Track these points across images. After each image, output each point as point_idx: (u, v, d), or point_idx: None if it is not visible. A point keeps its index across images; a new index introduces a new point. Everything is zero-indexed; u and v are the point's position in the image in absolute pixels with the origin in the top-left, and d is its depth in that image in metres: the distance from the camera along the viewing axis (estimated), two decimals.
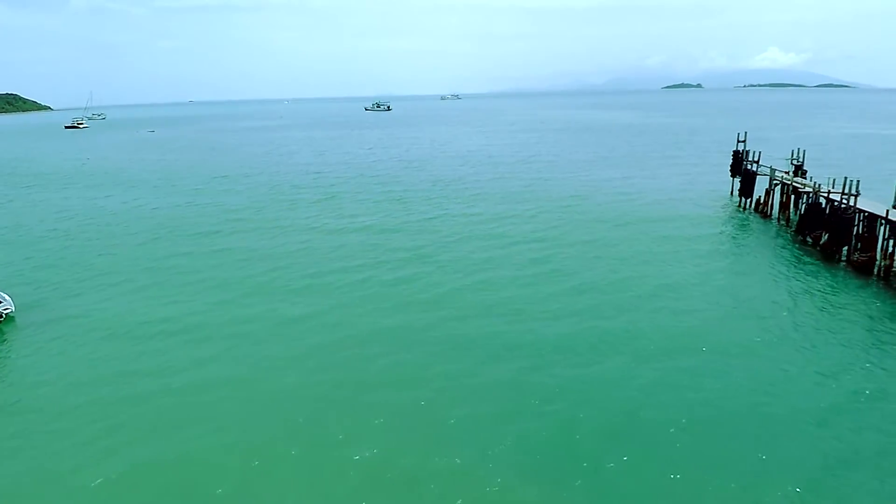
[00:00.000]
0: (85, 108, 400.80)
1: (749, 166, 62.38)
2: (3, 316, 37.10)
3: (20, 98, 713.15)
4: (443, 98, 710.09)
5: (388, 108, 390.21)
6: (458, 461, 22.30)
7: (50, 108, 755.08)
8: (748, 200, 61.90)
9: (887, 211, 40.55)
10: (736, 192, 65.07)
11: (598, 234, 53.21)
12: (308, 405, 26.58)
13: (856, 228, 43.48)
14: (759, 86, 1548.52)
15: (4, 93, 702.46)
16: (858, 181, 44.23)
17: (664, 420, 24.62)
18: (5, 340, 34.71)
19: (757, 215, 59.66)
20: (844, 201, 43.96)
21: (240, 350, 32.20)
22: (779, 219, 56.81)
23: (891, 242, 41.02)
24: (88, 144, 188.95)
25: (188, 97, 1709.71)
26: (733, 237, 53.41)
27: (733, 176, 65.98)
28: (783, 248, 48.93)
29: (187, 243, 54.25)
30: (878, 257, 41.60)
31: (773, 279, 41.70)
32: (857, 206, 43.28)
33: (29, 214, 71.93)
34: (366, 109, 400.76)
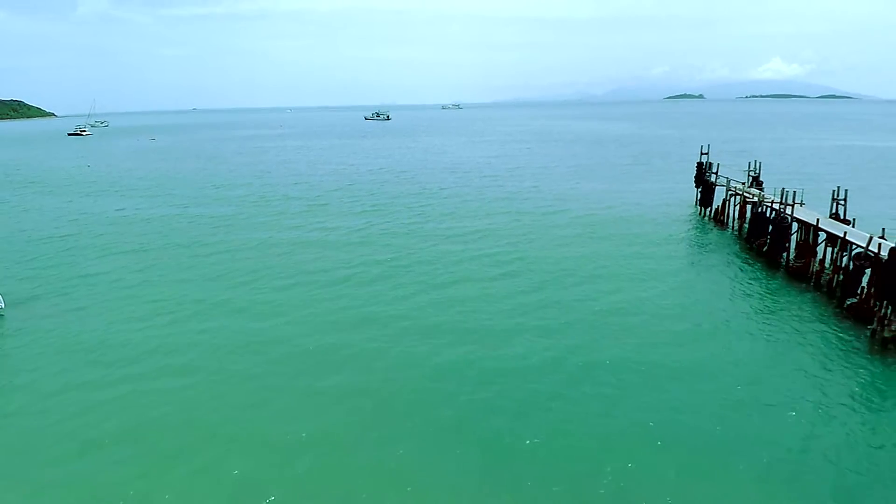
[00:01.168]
0: (88, 116, 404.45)
1: (709, 178, 65.41)
2: None
3: (25, 104, 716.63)
4: (444, 107, 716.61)
5: (388, 118, 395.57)
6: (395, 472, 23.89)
7: (54, 114, 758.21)
8: (708, 210, 64.95)
9: (818, 220, 43.50)
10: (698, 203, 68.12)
11: (566, 244, 56.00)
12: (259, 410, 28.54)
13: (794, 236, 46.41)
14: (762, 97, 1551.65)
15: (9, 99, 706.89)
16: (795, 192, 47.31)
17: (594, 436, 25.82)
18: None
19: (714, 224, 62.78)
20: (783, 211, 46.89)
21: (208, 356, 34.27)
22: (732, 227, 59.77)
23: (823, 249, 43.97)
24: (90, 151, 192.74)
25: (191, 105, 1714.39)
26: (689, 246, 56.14)
27: (697, 187, 68.86)
28: (732, 255, 51.85)
29: (173, 252, 56.91)
30: (812, 263, 44.44)
31: (717, 286, 44.45)
32: (795, 215, 46.21)
33: (27, 219, 75.20)
34: (365, 119, 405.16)
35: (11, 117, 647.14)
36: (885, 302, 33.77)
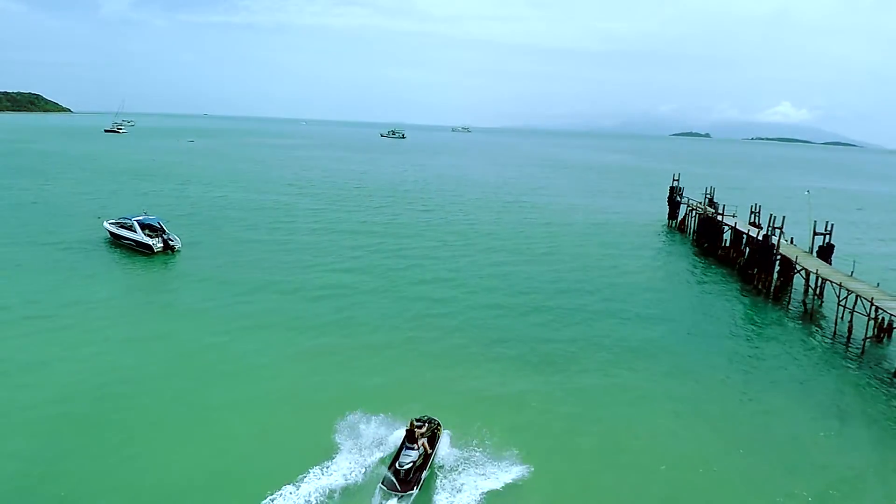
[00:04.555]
0: (115, 114, 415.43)
1: (677, 198, 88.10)
2: (176, 249, 62.29)
3: (42, 98, 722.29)
4: (454, 130, 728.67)
5: (403, 136, 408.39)
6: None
7: (70, 110, 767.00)
8: (674, 222, 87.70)
9: (735, 223, 66.03)
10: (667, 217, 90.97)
11: (572, 240, 78.24)
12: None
13: (724, 236, 68.70)
14: (768, 139, 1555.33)
15: (27, 92, 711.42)
16: (725, 205, 69.77)
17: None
18: (176, 264, 59.12)
19: (677, 232, 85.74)
20: (716, 218, 69.33)
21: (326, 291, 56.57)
22: (689, 234, 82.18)
23: (740, 244, 66.27)
24: (142, 148, 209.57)
25: (203, 110, 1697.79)
26: (656, 245, 78.71)
27: (668, 204, 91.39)
28: (683, 252, 74.32)
29: (291, 228, 78.64)
30: (731, 252, 66.73)
31: (671, 267, 66.72)
32: (724, 221, 68.58)
33: (174, 200, 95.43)
34: (381, 136, 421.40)
35: (29, 110, 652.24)
36: (760, 270, 56.13)
